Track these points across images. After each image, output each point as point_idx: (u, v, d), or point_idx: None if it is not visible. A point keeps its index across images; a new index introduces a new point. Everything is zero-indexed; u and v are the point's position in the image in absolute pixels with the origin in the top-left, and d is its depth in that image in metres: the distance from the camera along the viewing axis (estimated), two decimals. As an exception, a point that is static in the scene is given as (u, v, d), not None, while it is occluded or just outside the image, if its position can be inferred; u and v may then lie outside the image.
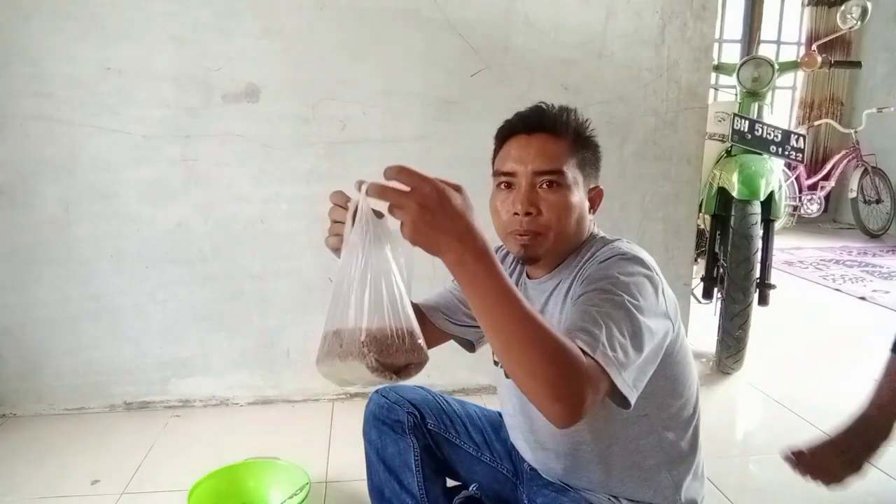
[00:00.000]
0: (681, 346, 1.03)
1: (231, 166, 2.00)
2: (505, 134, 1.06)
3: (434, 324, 1.22)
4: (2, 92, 1.87)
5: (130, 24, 1.88)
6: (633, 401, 0.84)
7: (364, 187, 0.78)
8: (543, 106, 1.05)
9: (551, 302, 1.06)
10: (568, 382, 0.75)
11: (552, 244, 1.02)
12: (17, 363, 2.05)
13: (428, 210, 0.72)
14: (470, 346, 1.28)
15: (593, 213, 1.08)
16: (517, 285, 1.13)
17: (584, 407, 0.76)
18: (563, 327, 0.89)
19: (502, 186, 1.03)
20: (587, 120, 1.08)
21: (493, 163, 1.09)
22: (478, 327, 1.24)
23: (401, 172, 0.73)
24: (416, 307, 1.28)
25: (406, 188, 0.73)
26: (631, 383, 0.84)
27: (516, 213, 1.00)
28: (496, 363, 1.18)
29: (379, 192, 0.74)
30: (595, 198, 1.08)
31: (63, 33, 1.86)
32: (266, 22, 1.93)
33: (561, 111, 1.04)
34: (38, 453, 1.86)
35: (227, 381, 2.15)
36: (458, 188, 0.79)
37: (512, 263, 1.19)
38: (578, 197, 1.02)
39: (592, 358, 0.79)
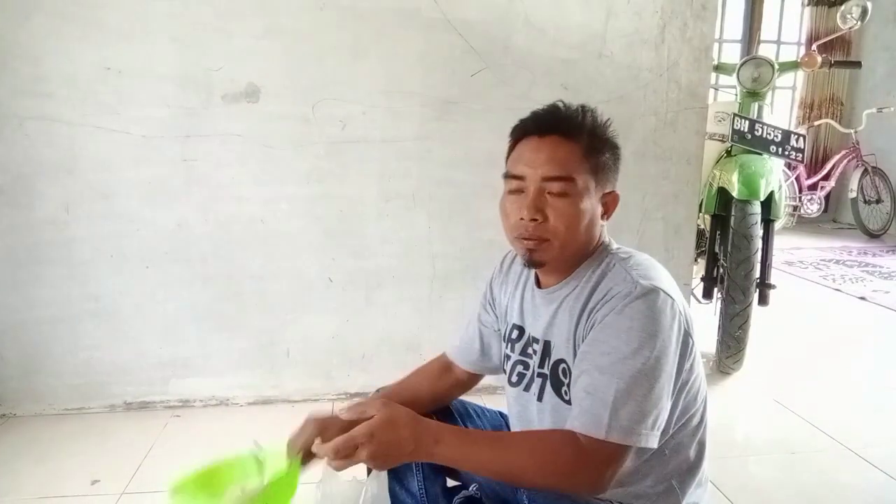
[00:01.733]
0: (695, 359, 1.01)
1: (231, 166, 2.00)
2: (518, 134, 1.03)
3: (466, 369, 1.28)
4: (2, 92, 1.87)
5: (130, 24, 1.88)
6: (656, 444, 0.89)
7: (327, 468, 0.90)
8: (560, 106, 1.01)
9: (560, 314, 1.03)
10: (575, 479, 0.86)
11: (558, 251, 0.99)
12: (18, 363, 2.05)
13: (377, 456, 0.85)
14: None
15: (607, 218, 1.03)
16: (524, 294, 1.13)
17: (605, 482, 0.87)
18: (573, 384, 0.95)
19: (512, 189, 1.01)
20: (608, 120, 1.03)
21: (506, 161, 1.05)
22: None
23: (336, 453, 0.85)
24: (442, 360, 1.31)
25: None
26: (654, 432, 0.89)
27: (523, 218, 0.97)
28: (505, 371, 1.18)
29: (338, 467, 0.87)
30: (610, 203, 1.03)
31: (63, 33, 1.86)
32: (266, 22, 1.93)
33: (577, 112, 1.00)
34: (38, 453, 1.86)
35: (227, 381, 2.16)
36: (379, 407, 0.88)
37: (517, 276, 1.17)
38: (590, 203, 0.98)
39: (601, 439, 0.86)
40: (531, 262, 1.02)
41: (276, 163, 2.02)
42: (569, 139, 0.98)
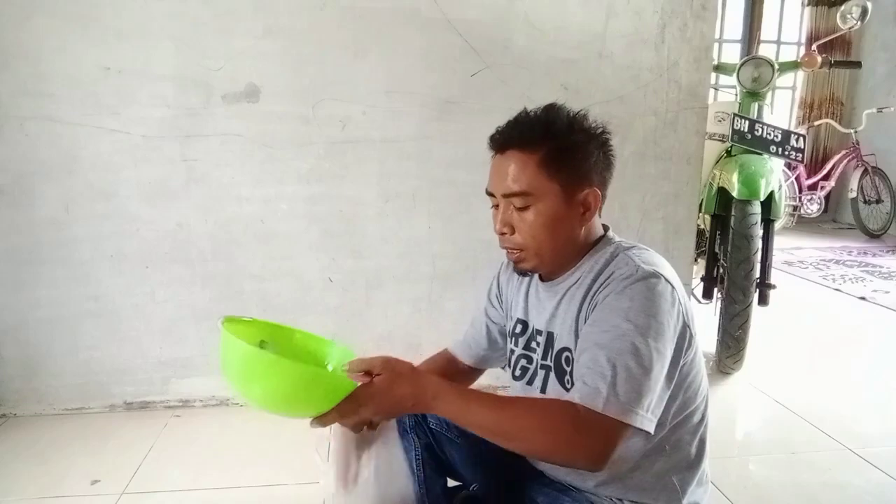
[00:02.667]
0: (696, 354, 1.02)
1: (231, 166, 2.00)
2: (489, 150, 1.06)
3: (468, 364, 1.31)
4: (2, 92, 1.87)
5: (130, 24, 1.88)
6: (652, 428, 0.89)
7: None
8: (520, 117, 1.02)
9: (563, 304, 1.05)
10: (573, 450, 0.86)
11: (536, 260, 1.03)
12: (18, 363, 2.05)
13: (379, 412, 0.92)
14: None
15: (591, 216, 1.03)
16: (529, 289, 1.15)
17: (603, 458, 0.86)
18: (575, 362, 0.97)
19: (491, 203, 1.06)
20: (582, 117, 1.02)
21: None
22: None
23: (341, 415, 0.91)
24: (445, 354, 1.33)
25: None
26: (649, 415, 0.88)
27: (496, 232, 1.04)
28: (509, 365, 1.19)
29: (352, 427, 0.95)
30: (589, 201, 1.02)
31: (63, 33, 1.86)
32: (266, 22, 1.93)
33: (534, 122, 1.00)
34: (38, 453, 1.86)
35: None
36: (379, 363, 0.92)
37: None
38: (558, 209, 0.99)
39: (599, 412, 0.85)
40: (517, 271, 1.08)
41: (276, 163, 2.02)
42: (525, 151, 0.99)
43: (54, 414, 2.09)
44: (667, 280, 0.94)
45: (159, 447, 1.90)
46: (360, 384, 0.90)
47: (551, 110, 1.02)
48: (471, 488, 1.25)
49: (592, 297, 0.99)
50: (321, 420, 0.91)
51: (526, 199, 0.99)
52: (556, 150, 0.99)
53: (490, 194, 1.04)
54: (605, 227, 1.10)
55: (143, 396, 2.13)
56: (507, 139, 1.01)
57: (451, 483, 1.28)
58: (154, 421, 2.05)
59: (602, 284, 0.98)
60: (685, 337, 0.96)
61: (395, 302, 2.17)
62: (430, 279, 2.18)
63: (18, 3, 1.83)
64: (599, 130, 1.04)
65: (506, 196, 1.01)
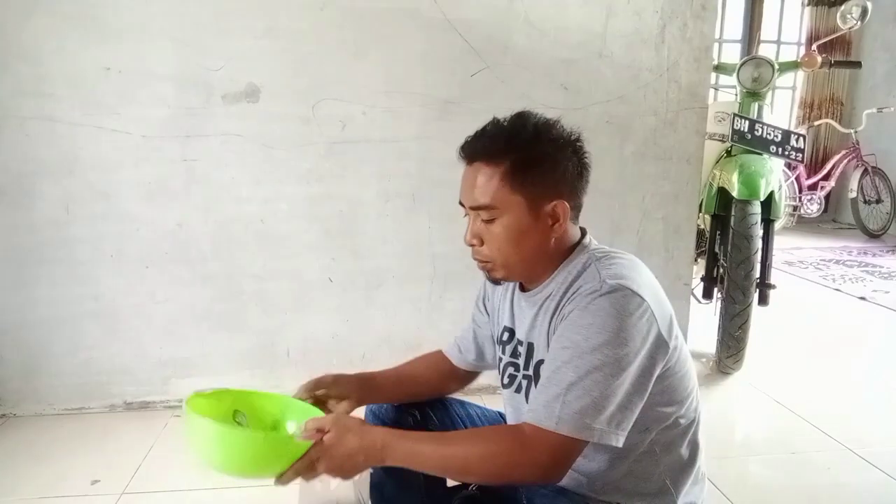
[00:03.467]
0: (679, 358, 1.00)
1: (231, 166, 2.00)
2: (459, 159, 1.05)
3: (461, 367, 1.30)
4: (2, 92, 1.87)
5: (130, 24, 1.88)
6: (620, 442, 0.90)
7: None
8: (489, 126, 1.00)
9: (540, 315, 1.04)
10: (526, 471, 0.89)
11: (504, 271, 1.03)
12: (18, 363, 2.05)
13: (332, 471, 0.93)
14: None
15: (561, 226, 1.00)
16: (513, 297, 1.14)
17: (558, 472, 0.89)
18: (540, 377, 0.97)
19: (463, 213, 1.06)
20: (551, 125, 1.00)
21: None
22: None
23: (298, 474, 0.93)
24: (437, 356, 1.33)
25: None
26: (612, 429, 0.89)
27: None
28: (499, 373, 1.18)
29: (309, 479, 0.95)
30: (557, 213, 0.99)
31: (63, 33, 1.86)
32: (266, 22, 1.93)
33: (499, 133, 0.98)
34: (38, 453, 1.86)
35: (227, 381, 2.14)
36: (325, 425, 0.94)
37: None
38: (524, 221, 0.98)
39: (552, 431, 0.87)
40: (489, 279, 1.09)
41: (276, 163, 2.02)
42: (490, 164, 0.98)
43: (54, 414, 2.09)
44: (634, 292, 0.91)
45: (159, 447, 1.90)
46: (312, 442, 0.93)
47: (518, 120, 1.00)
48: (470, 488, 1.25)
49: (560, 310, 0.98)
50: (281, 480, 0.93)
51: (491, 212, 0.98)
52: (521, 162, 0.96)
53: (461, 204, 1.04)
54: (584, 232, 1.08)
55: (143, 396, 2.13)
56: (473, 150, 1.00)
57: (451, 483, 1.28)
58: (154, 421, 2.05)
59: (569, 300, 0.97)
60: (658, 345, 0.93)
61: (395, 302, 2.17)
62: (430, 279, 2.18)
63: (18, 3, 1.83)
64: (573, 137, 1.01)
65: (472, 208, 1.01)
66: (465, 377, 1.32)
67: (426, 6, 1.97)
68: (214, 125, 1.97)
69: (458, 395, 1.31)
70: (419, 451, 0.92)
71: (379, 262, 2.13)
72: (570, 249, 1.04)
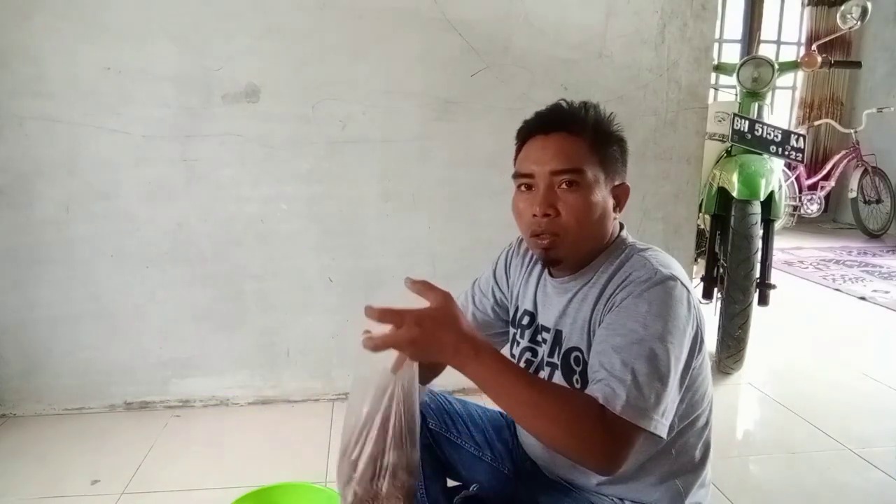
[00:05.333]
0: (703, 359, 1.01)
1: (231, 166, 2.00)
2: (524, 135, 1.04)
3: None
4: (2, 92, 1.87)
5: (130, 24, 1.88)
6: (665, 433, 0.87)
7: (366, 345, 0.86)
8: (563, 104, 1.03)
9: (574, 303, 1.03)
10: (592, 447, 0.82)
11: (573, 246, 0.99)
12: (18, 363, 2.05)
13: (416, 343, 0.83)
14: None
15: (619, 211, 1.04)
16: (538, 282, 1.13)
17: (619, 460, 0.83)
18: (589, 364, 0.93)
19: (522, 188, 1.02)
20: (611, 114, 1.05)
21: (514, 163, 1.06)
22: (502, 335, 1.26)
23: (382, 315, 0.84)
24: None
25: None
26: (664, 420, 0.86)
27: (535, 215, 0.98)
28: (512, 356, 1.18)
29: (374, 346, 0.84)
30: (621, 195, 1.03)
31: (63, 33, 1.86)
32: (266, 22, 1.93)
33: (580, 108, 1.02)
34: (38, 453, 1.86)
35: (227, 381, 2.15)
36: (440, 298, 0.87)
37: (531, 260, 1.17)
38: (601, 196, 0.99)
39: (617, 414, 0.83)
40: (547, 261, 1.03)
41: (276, 163, 2.02)
42: (574, 135, 0.99)
43: (54, 414, 2.09)
44: (683, 284, 0.93)
45: (159, 447, 1.90)
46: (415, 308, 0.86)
47: (588, 104, 1.03)
48: (471, 488, 1.25)
49: (608, 299, 0.97)
50: (367, 310, 0.85)
51: (578, 176, 0.96)
52: (601, 138, 1.00)
53: (525, 175, 1.00)
54: (621, 226, 1.09)
55: (143, 396, 2.13)
56: (555, 121, 1.00)
57: (451, 483, 1.28)
58: (154, 421, 2.05)
59: (618, 287, 0.96)
60: (697, 341, 0.95)
61: (395, 302, 2.16)
62: (430, 279, 2.17)
63: (18, 3, 1.83)
64: (622, 133, 1.05)
65: (555, 173, 0.97)
66: None
67: (426, 6, 1.97)
68: (214, 125, 1.97)
69: (458, 395, 1.31)
70: (506, 383, 0.85)
71: (379, 262, 2.13)
72: (612, 240, 1.05)
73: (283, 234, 2.07)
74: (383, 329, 0.84)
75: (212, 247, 2.05)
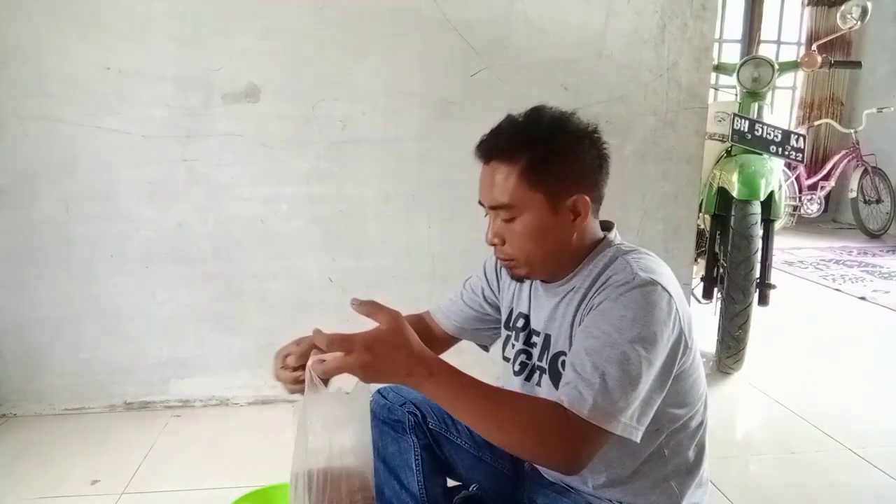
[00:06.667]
0: (693, 360, 1.00)
1: (231, 166, 2.00)
2: (476, 158, 1.04)
3: (445, 330, 1.29)
4: (2, 92, 1.87)
5: (130, 24, 1.88)
6: (638, 438, 0.87)
7: (312, 373, 0.88)
8: (504, 123, 1.00)
9: (561, 307, 1.04)
10: (553, 450, 0.84)
11: (528, 268, 1.02)
12: (18, 363, 2.05)
13: (368, 367, 0.82)
14: (484, 348, 1.34)
15: (581, 221, 0.99)
16: (531, 285, 1.13)
17: (581, 461, 0.85)
18: (566, 362, 0.94)
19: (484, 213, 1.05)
20: (566, 118, 0.99)
21: None
22: (490, 331, 1.27)
23: (331, 343, 0.82)
24: (424, 316, 1.33)
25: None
26: (634, 423, 0.86)
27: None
28: (506, 359, 1.18)
29: (324, 371, 0.85)
30: (578, 207, 0.98)
31: (63, 33, 1.86)
32: (266, 22, 1.93)
33: (515, 130, 0.98)
34: (38, 453, 1.86)
35: (227, 381, 2.15)
36: (390, 319, 0.85)
37: None
38: (545, 218, 0.97)
39: (583, 417, 0.84)
40: (513, 277, 1.07)
41: (276, 163, 2.02)
42: (507, 162, 0.97)
43: (54, 414, 2.09)
44: (664, 288, 0.92)
45: (159, 447, 1.90)
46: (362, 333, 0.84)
47: (533, 115, 0.99)
48: (471, 488, 1.25)
49: (588, 301, 0.97)
50: (317, 336, 0.85)
51: (510, 211, 0.97)
52: (538, 159, 0.95)
53: (481, 204, 1.04)
54: (609, 227, 1.07)
55: (143, 396, 2.13)
56: (489, 149, 0.99)
57: (451, 483, 1.28)
58: (154, 421, 2.05)
59: (597, 290, 0.96)
60: (680, 344, 0.94)
61: (395, 302, 2.14)
62: (430, 279, 2.18)
63: (18, 3, 1.83)
64: (590, 129, 1.00)
65: (492, 208, 1.00)
66: (444, 342, 1.30)
67: (426, 6, 1.97)
68: (214, 125, 1.97)
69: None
70: (464, 398, 0.85)
71: (379, 262, 2.13)
72: (595, 244, 1.04)
73: (283, 234, 2.07)
74: (335, 354, 0.83)
75: (212, 247, 2.05)
